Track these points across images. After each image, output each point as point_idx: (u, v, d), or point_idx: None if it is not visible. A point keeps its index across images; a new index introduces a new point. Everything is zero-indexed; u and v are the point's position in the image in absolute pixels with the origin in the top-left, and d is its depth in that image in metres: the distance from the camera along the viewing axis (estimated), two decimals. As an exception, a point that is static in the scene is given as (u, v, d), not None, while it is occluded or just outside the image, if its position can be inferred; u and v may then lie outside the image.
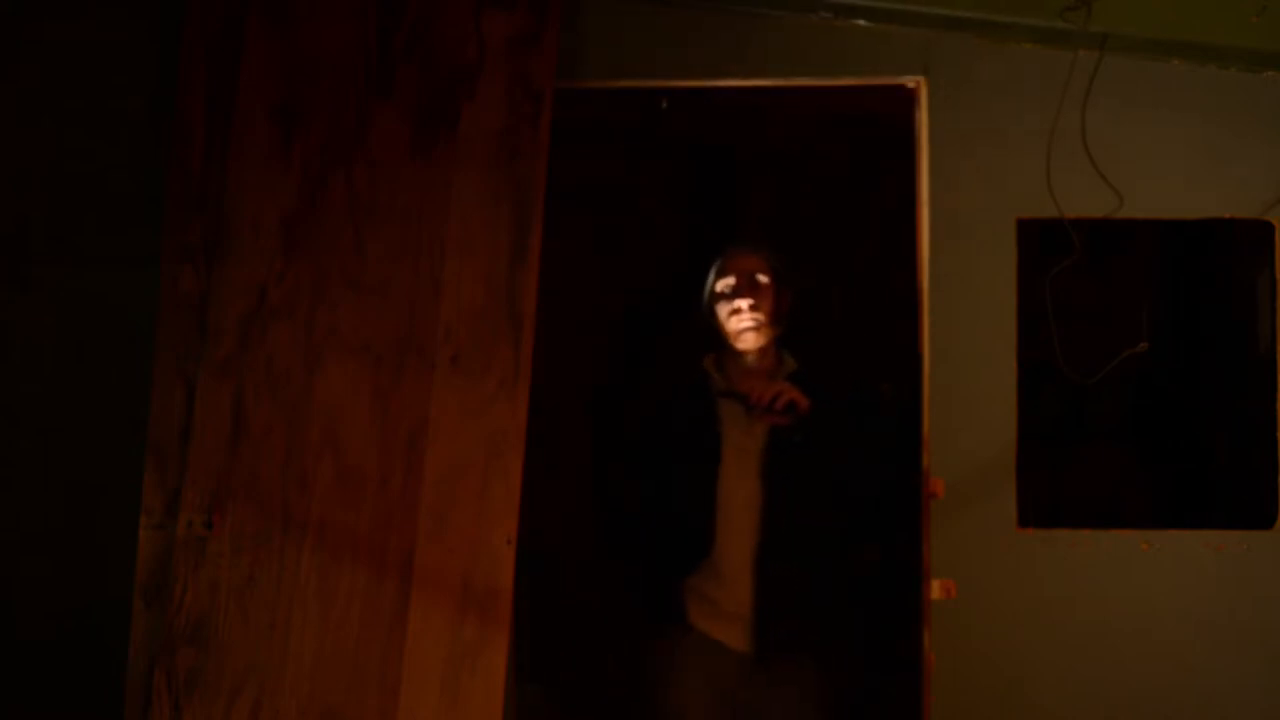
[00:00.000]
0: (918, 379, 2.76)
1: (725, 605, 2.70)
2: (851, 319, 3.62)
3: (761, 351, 2.78)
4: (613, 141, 3.55)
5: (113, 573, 2.56)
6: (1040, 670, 2.76)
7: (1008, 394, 2.79)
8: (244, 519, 2.49)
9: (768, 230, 3.90)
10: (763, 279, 2.77)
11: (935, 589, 2.72)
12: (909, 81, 2.80)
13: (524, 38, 2.60)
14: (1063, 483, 3.17)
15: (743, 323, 2.74)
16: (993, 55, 2.82)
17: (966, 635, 2.75)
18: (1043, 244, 2.85)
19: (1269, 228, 2.82)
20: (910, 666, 2.75)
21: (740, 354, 2.78)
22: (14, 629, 2.73)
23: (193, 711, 2.43)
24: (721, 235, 3.85)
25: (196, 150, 2.61)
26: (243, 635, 2.44)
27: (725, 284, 2.78)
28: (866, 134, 3.02)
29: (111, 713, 2.50)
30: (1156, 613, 2.77)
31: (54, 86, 2.80)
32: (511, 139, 2.57)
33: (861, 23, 2.83)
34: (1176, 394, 3.52)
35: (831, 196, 3.65)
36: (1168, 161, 2.81)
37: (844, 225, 3.66)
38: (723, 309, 2.78)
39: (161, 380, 2.55)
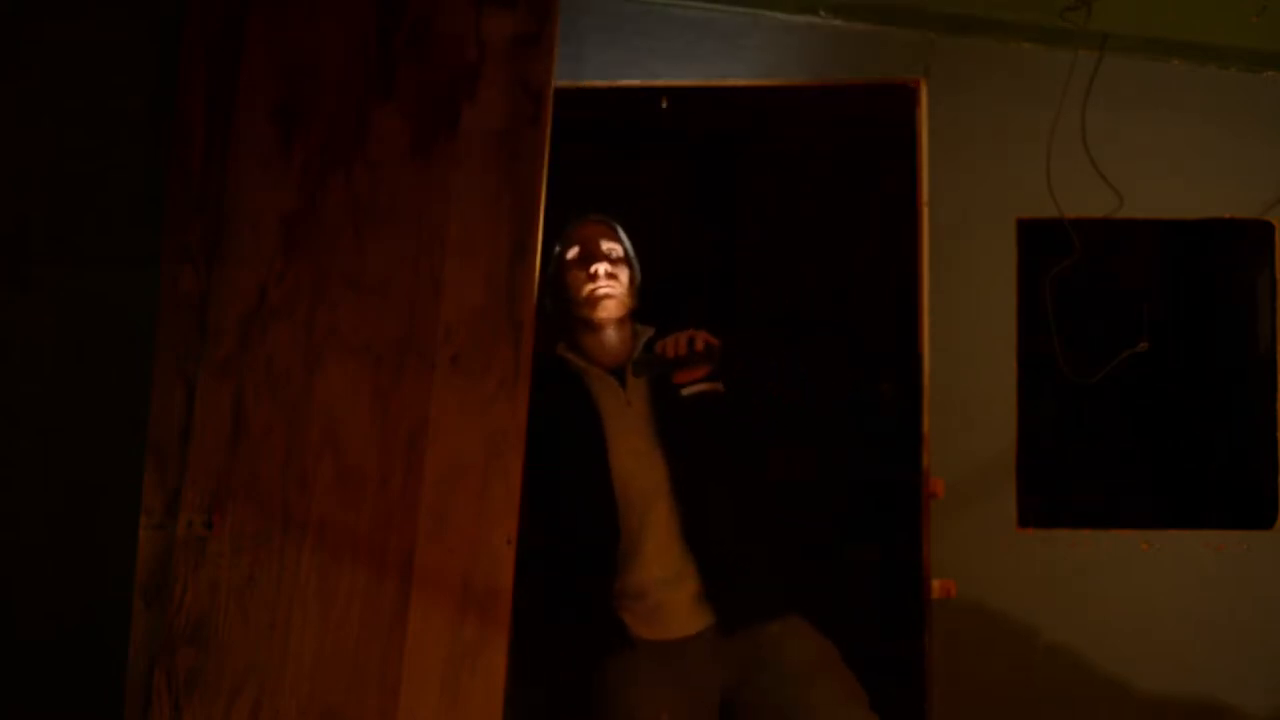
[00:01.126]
0: (918, 379, 2.76)
1: (658, 592, 2.45)
2: (851, 318, 3.61)
3: (620, 323, 2.59)
4: (613, 141, 3.54)
5: (113, 573, 2.56)
6: (1040, 670, 2.77)
7: (1008, 394, 2.79)
8: (244, 519, 2.48)
9: (769, 230, 3.90)
10: (614, 247, 2.62)
11: (935, 589, 2.72)
12: (909, 81, 2.80)
13: (524, 38, 2.59)
14: (1063, 483, 3.17)
15: (600, 289, 2.55)
16: (993, 55, 2.83)
17: (966, 635, 2.75)
18: (1043, 244, 2.85)
19: (1269, 228, 2.82)
20: (910, 666, 2.75)
21: (598, 329, 2.58)
22: (14, 629, 2.73)
23: (193, 711, 2.43)
24: (722, 232, 3.84)
25: (196, 150, 2.61)
26: (243, 635, 2.43)
27: (575, 253, 2.61)
28: (866, 134, 3.02)
29: (111, 713, 2.49)
30: (1156, 613, 2.77)
31: (54, 86, 2.80)
32: (511, 139, 2.57)
33: (861, 23, 2.83)
34: (1176, 394, 3.52)
35: (832, 196, 3.65)
36: (1168, 161, 2.81)
37: (844, 225, 3.66)
38: (575, 278, 2.59)
39: (161, 380, 2.54)
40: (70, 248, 2.78)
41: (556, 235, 2.63)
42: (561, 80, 2.63)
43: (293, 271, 2.56)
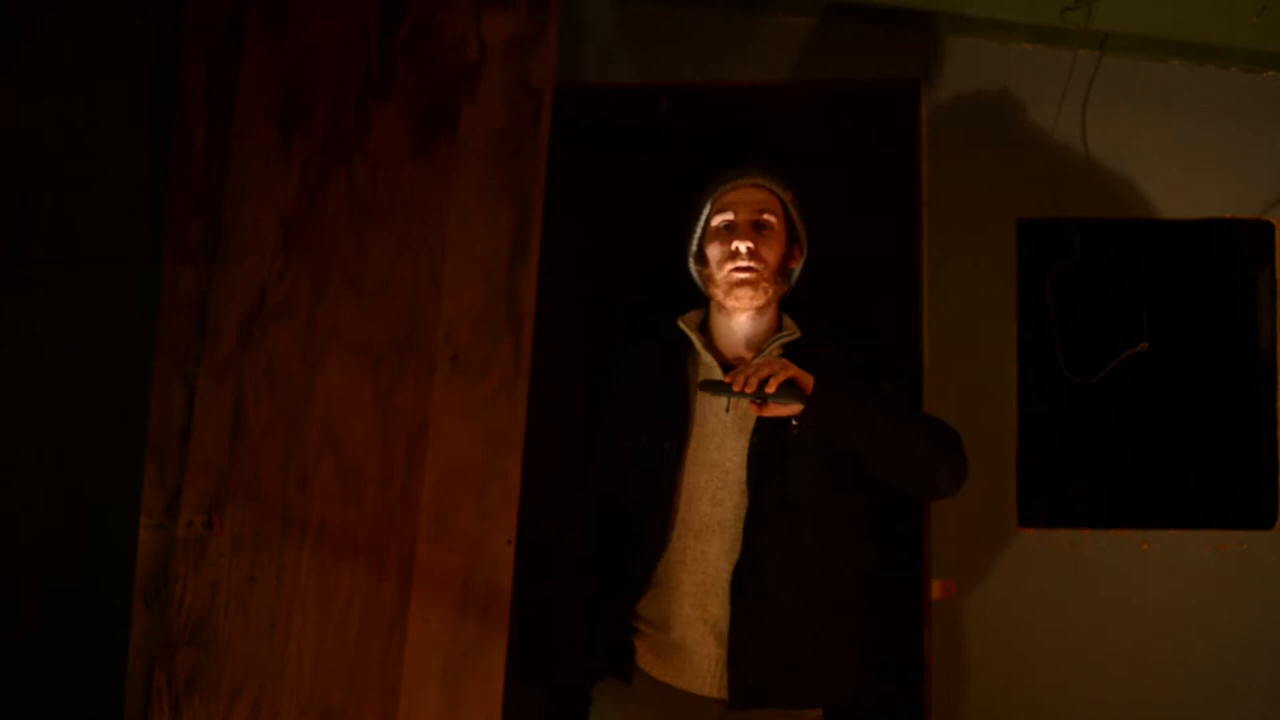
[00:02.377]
0: (918, 378, 2.76)
1: (683, 632, 2.15)
2: (851, 318, 3.61)
3: (758, 313, 2.22)
4: (613, 141, 3.54)
5: (113, 573, 2.56)
6: (1040, 670, 2.77)
7: (1008, 394, 2.79)
8: (244, 519, 2.49)
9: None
10: (771, 219, 2.22)
11: (935, 589, 2.72)
12: (909, 81, 2.80)
13: (524, 38, 2.59)
14: (1063, 483, 3.17)
15: (738, 272, 2.17)
16: (993, 55, 2.83)
17: (966, 635, 2.74)
18: (1043, 244, 2.85)
19: (1269, 228, 2.82)
20: (910, 666, 2.75)
21: (729, 315, 2.22)
22: (14, 629, 2.73)
23: (193, 711, 2.43)
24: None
25: (196, 150, 2.61)
26: (243, 635, 2.43)
27: (723, 219, 2.22)
28: (866, 134, 3.01)
29: (111, 713, 2.49)
30: (1156, 613, 2.77)
31: (54, 86, 2.80)
32: (511, 139, 2.57)
33: (861, 23, 2.83)
34: (1176, 394, 3.52)
35: (832, 196, 3.65)
36: (1168, 161, 2.81)
37: (844, 225, 3.66)
38: (716, 250, 2.21)
39: (161, 380, 2.55)
40: (70, 248, 2.77)
41: (707, 188, 2.28)
42: (561, 80, 2.63)
43: (293, 271, 2.56)
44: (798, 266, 2.28)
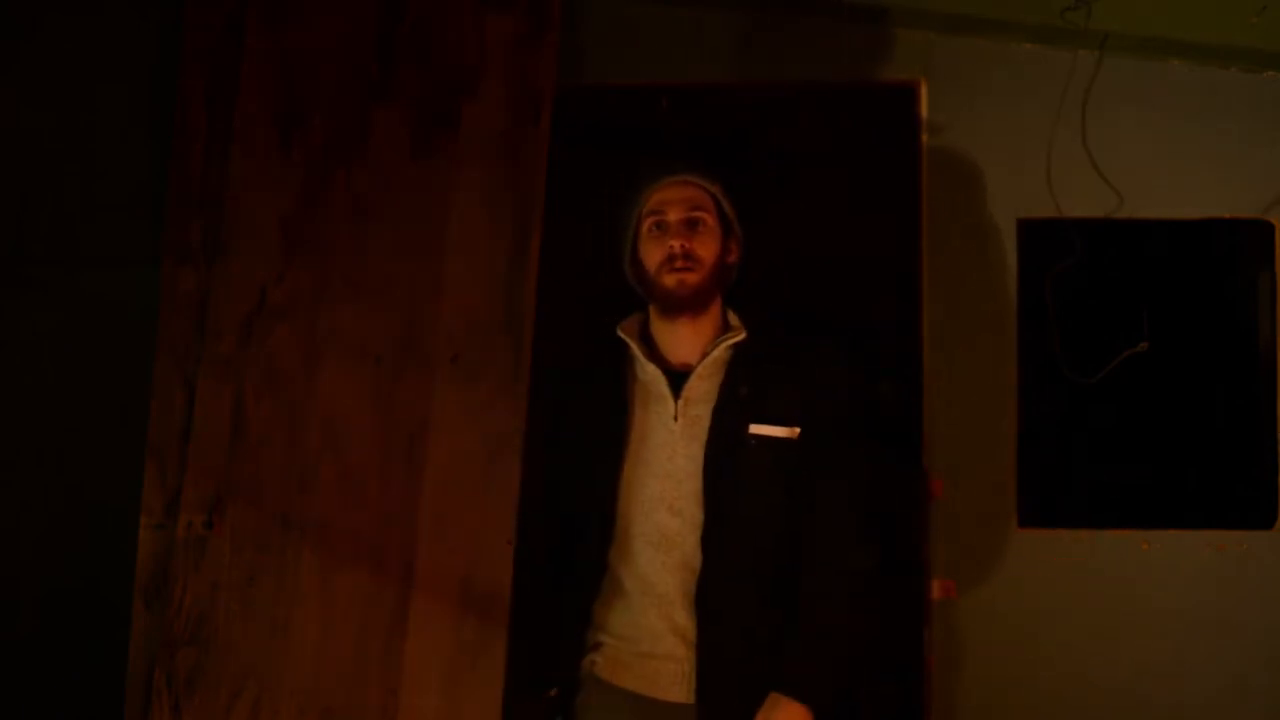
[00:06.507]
0: (918, 378, 2.76)
1: (651, 643, 2.10)
2: (850, 319, 3.61)
3: (700, 314, 2.14)
4: (613, 142, 3.54)
5: (113, 573, 2.56)
6: (1040, 670, 2.77)
7: (1008, 394, 2.79)
8: (244, 519, 2.49)
9: (768, 230, 3.89)
10: (704, 218, 2.14)
11: (935, 589, 2.72)
12: (909, 81, 2.80)
13: (524, 38, 2.59)
14: (1063, 483, 3.17)
15: (674, 273, 2.10)
16: (993, 55, 2.83)
17: (966, 635, 2.75)
18: (1043, 244, 2.85)
19: (1269, 228, 2.83)
20: (910, 666, 2.75)
21: (669, 317, 2.14)
22: (14, 629, 2.73)
23: (193, 711, 2.43)
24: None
25: (196, 150, 2.61)
26: (243, 635, 2.43)
27: (654, 220, 2.14)
28: (866, 134, 3.02)
29: (111, 713, 2.49)
30: (1156, 613, 2.77)
31: (53, 86, 2.80)
32: (511, 139, 2.57)
33: (862, 23, 2.83)
34: (1176, 394, 3.52)
35: (832, 196, 3.65)
36: (1168, 161, 2.81)
37: (844, 225, 3.66)
38: (650, 253, 2.13)
39: (161, 380, 2.55)
40: (70, 248, 2.78)
41: (635, 190, 2.23)
42: (561, 80, 2.63)
43: (293, 271, 2.56)
44: (735, 261, 2.19)
